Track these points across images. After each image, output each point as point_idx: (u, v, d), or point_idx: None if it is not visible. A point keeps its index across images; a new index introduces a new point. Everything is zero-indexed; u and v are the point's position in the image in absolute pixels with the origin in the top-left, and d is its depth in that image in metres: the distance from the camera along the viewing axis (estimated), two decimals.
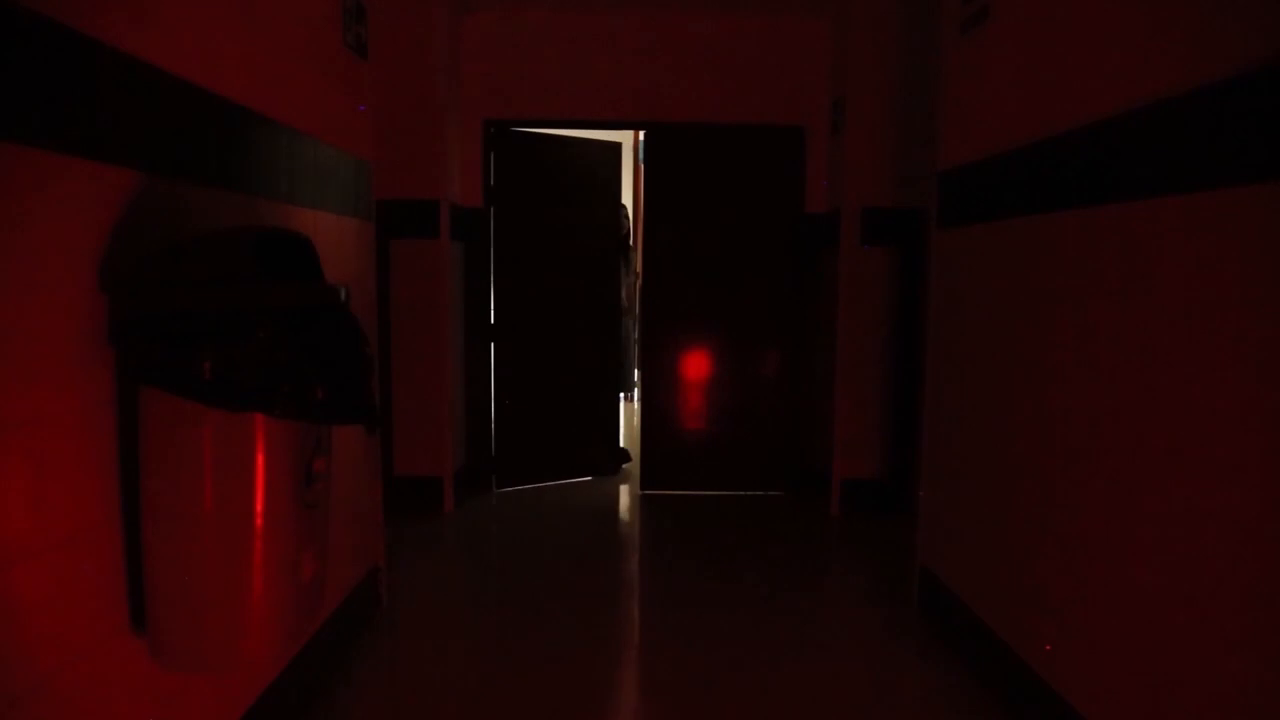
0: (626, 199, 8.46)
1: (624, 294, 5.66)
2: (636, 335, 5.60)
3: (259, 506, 1.59)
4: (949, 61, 3.09)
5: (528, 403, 5.19)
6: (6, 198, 1.29)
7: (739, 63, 4.85)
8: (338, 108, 2.80)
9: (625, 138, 8.25)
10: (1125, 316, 1.98)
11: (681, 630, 3.23)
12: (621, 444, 5.67)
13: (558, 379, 5.30)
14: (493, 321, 5.04)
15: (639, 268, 5.43)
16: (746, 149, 4.94)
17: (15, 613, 1.34)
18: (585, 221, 5.30)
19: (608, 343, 5.42)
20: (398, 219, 4.33)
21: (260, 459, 1.59)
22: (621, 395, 5.79)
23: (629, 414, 7.43)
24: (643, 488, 5.12)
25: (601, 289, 5.39)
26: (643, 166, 5.51)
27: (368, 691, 2.73)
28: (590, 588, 3.87)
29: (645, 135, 5.26)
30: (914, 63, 4.42)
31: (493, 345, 5.06)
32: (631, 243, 5.70)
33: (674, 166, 4.98)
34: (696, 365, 5.11)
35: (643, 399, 5.22)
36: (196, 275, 1.58)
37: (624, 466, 5.61)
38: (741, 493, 5.07)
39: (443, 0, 4.40)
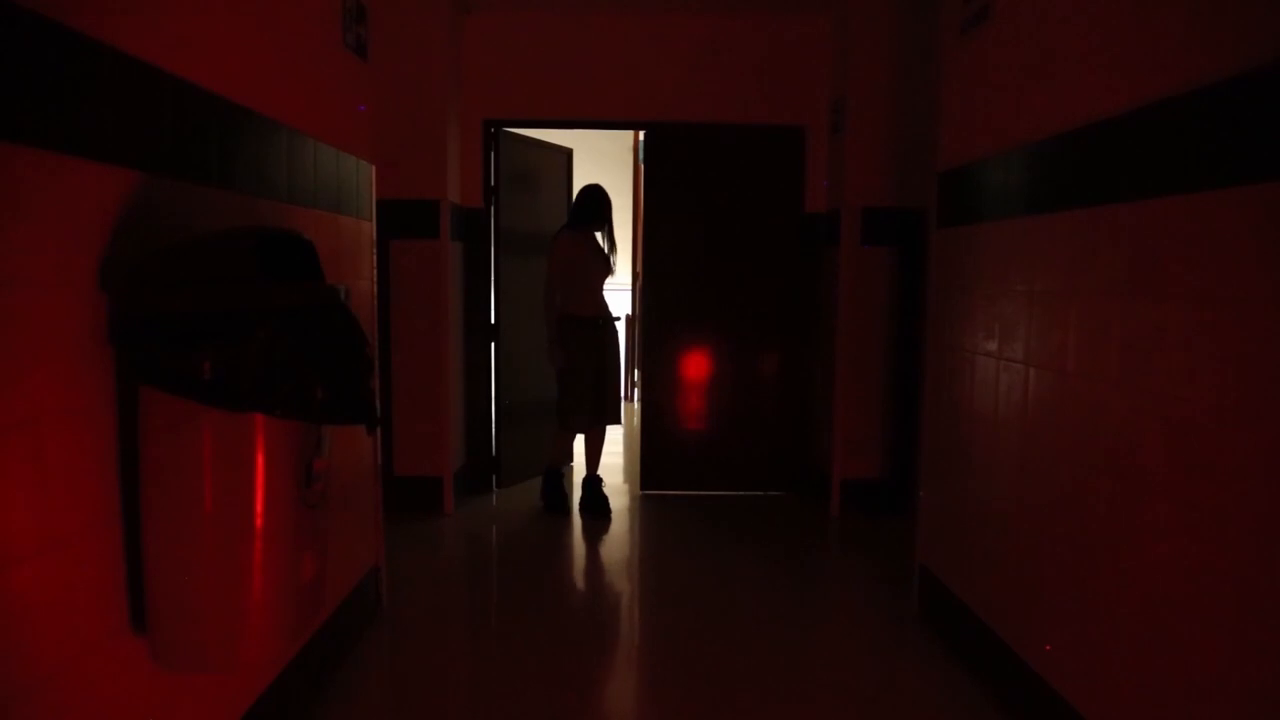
0: (626, 199, 8.48)
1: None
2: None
3: (259, 507, 1.59)
4: (949, 61, 3.09)
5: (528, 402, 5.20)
6: (7, 197, 1.29)
7: (739, 63, 4.85)
8: (338, 108, 2.81)
9: (625, 138, 8.27)
10: (1127, 316, 1.98)
11: (681, 629, 3.23)
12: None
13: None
14: (493, 321, 5.05)
15: (639, 268, 5.37)
16: (746, 149, 4.94)
17: (15, 613, 1.34)
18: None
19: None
20: (398, 219, 4.33)
21: (260, 459, 1.59)
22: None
23: (630, 414, 7.43)
24: (643, 488, 5.12)
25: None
26: (643, 166, 5.48)
27: (367, 691, 2.73)
28: (589, 587, 3.87)
29: (645, 135, 5.26)
30: (914, 63, 4.42)
31: (493, 345, 5.07)
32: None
33: (674, 166, 4.98)
34: (696, 365, 5.11)
35: (642, 399, 5.21)
36: (196, 275, 1.58)
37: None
38: (741, 493, 5.07)
39: (443, 1, 4.40)
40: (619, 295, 9.12)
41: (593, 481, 4.72)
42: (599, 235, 4.80)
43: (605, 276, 4.77)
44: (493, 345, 5.07)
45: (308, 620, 1.80)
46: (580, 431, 4.76)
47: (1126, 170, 1.98)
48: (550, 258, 4.61)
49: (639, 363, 5.34)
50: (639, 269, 5.46)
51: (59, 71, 1.39)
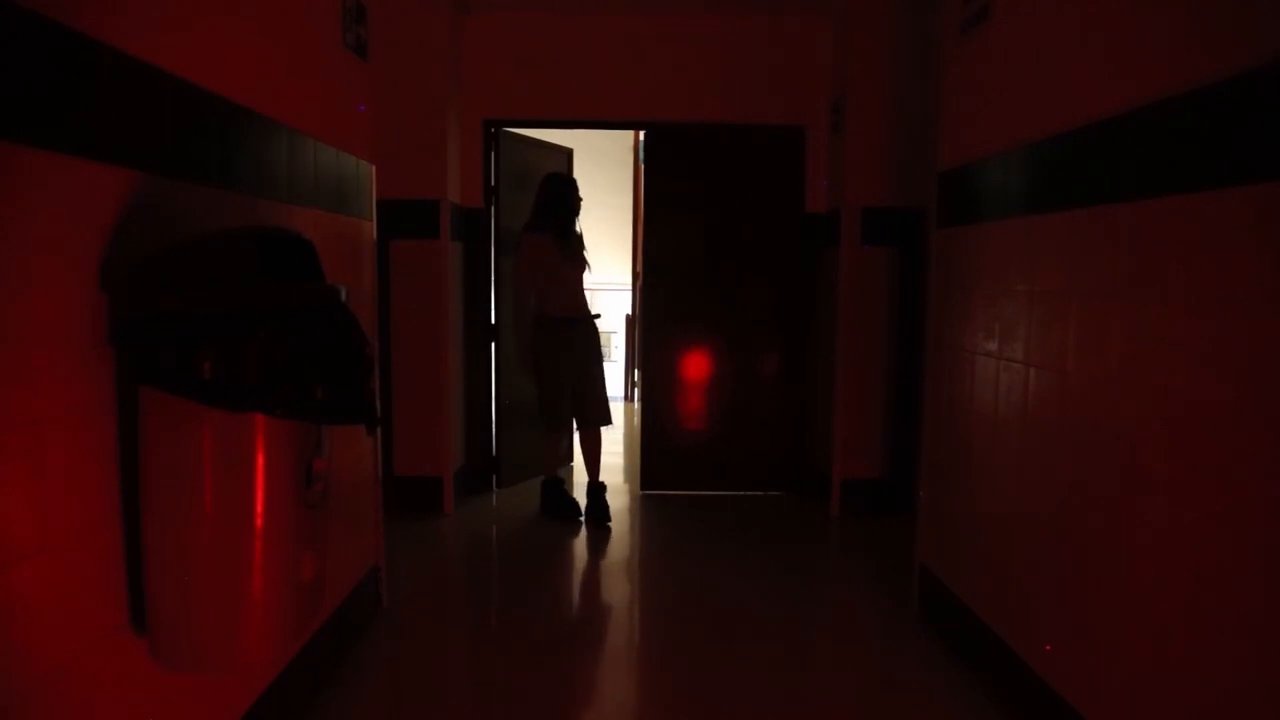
0: (626, 199, 8.48)
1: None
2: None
3: (259, 506, 1.59)
4: (949, 61, 3.09)
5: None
6: (7, 197, 1.30)
7: (739, 63, 4.85)
8: (338, 108, 2.81)
9: (625, 138, 8.27)
10: (1127, 316, 1.98)
11: (680, 629, 3.23)
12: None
13: None
14: (493, 321, 5.05)
15: (639, 268, 5.36)
16: (746, 149, 4.94)
17: (15, 613, 1.34)
18: None
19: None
20: (398, 219, 4.33)
21: (260, 459, 1.59)
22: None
23: (630, 414, 7.44)
24: (643, 488, 5.12)
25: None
26: (643, 167, 5.48)
27: (367, 692, 2.73)
28: (589, 587, 3.87)
29: (645, 135, 5.25)
30: (914, 63, 4.42)
31: (493, 345, 5.07)
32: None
33: (674, 166, 4.98)
34: (696, 365, 5.11)
35: (643, 399, 5.21)
36: (196, 275, 1.58)
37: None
38: (741, 493, 5.07)
39: (443, 1, 4.40)
40: (619, 295, 9.16)
41: (596, 489, 4.56)
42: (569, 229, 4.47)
43: (580, 272, 4.51)
44: (493, 345, 5.07)
45: (308, 620, 1.80)
46: (565, 428, 4.65)
47: (1127, 170, 1.98)
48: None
49: (639, 363, 5.32)
50: (639, 269, 5.44)
51: (59, 71, 1.39)
